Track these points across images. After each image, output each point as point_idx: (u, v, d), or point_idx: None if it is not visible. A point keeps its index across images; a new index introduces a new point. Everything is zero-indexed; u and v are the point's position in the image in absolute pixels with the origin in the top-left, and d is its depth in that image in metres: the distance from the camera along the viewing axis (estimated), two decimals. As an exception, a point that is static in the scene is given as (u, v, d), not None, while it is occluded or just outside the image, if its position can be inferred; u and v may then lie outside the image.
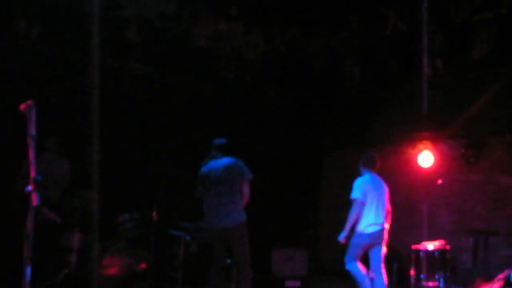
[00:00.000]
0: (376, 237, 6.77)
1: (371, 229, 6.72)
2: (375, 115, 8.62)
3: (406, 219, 9.06)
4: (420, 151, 8.89)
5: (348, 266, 6.78)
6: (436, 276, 7.79)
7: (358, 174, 7.04)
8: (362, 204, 6.71)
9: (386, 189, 7.02)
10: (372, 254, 6.83)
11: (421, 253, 7.93)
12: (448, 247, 7.87)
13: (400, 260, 8.45)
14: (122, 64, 7.38)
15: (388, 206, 7.06)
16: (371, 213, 6.75)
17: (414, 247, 7.98)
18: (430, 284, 7.77)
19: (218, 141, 6.05)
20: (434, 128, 8.52)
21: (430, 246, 7.91)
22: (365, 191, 6.76)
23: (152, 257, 6.65)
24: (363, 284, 6.69)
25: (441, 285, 7.73)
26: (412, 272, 7.85)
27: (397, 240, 8.89)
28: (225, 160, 5.89)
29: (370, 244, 6.79)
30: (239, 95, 7.97)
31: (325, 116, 8.92)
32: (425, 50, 7.60)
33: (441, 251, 7.94)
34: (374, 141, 8.97)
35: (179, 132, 7.68)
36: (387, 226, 6.95)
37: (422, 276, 7.87)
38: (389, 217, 7.11)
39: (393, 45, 8.43)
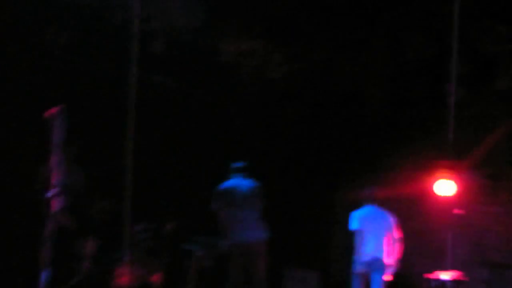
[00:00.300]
0: (370, 264, 7.21)
1: (366, 258, 7.22)
2: (395, 140, 8.58)
3: (421, 247, 8.96)
4: (439, 179, 8.81)
5: None
6: (448, 308, 7.67)
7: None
8: (361, 233, 7.24)
9: (389, 220, 7.43)
10: (372, 282, 7.20)
11: (433, 283, 7.83)
12: (462, 278, 7.76)
13: (412, 289, 8.35)
14: (147, 76, 7.46)
15: (395, 235, 7.36)
16: (368, 243, 7.26)
17: (426, 276, 7.89)
18: (442, 315, 7.65)
19: (237, 164, 6.13)
20: (456, 157, 8.45)
21: (444, 276, 7.80)
22: (361, 222, 7.30)
23: (164, 270, 6.66)
24: None
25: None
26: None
27: (410, 268, 8.80)
28: (249, 180, 5.97)
29: (367, 272, 7.19)
30: (260, 114, 8.00)
31: (345, 139, 8.89)
32: (453, 77, 7.57)
33: (454, 282, 7.82)
34: (392, 166, 8.91)
35: (197, 146, 7.72)
36: (387, 256, 7.36)
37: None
38: (398, 246, 7.32)
39: (416, 71, 8.41)
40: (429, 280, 7.77)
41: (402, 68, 8.27)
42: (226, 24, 7.52)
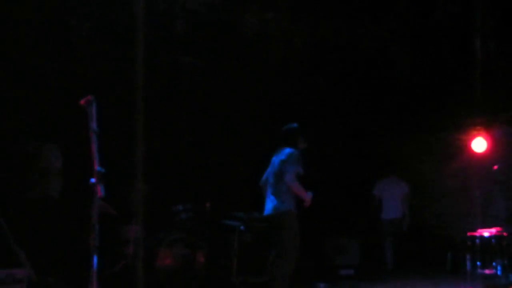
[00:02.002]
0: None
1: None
2: (427, 103, 8.47)
3: (461, 206, 8.90)
4: (474, 137, 8.70)
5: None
6: (493, 264, 7.64)
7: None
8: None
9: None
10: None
11: (477, 240, 7.79)
12: (505, 233, 7.69)
13: (455, 248, 8.31)
14: (170, 56, 7.47)
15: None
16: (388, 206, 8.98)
17: (469, 234, 7.85)
18: (487, 272, 7.63)
19: (283, 128, 6.00)
20: (488, 114, 8.32)
21: (486, 233, 7.75)
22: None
23: (207, 248, 6.74)
24: None
25: (499, 272, 7.57)
26: (468, 259, 7.73)
27: (452, 227, 8.76)
28: (283, 151, 5.88)
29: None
30: (287, 85, 7.94)
31: (377, 105, 8.81)
32: (479, 32, 7.40)
33: (498, 238, 7.77)
34: (428, 129, 8.82)
35: (229, 122, 7.73)
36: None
37: (478, 264, 7.74)
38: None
39: (443, 29, 8.24)
40: (473, 237, 7.74)
41: (428, 27, 8.11)
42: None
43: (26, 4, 6.41)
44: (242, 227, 6.87)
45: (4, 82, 6.06)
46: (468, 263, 7.85)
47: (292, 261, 5.56)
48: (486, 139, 8.68)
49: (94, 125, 4.08)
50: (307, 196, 5.68)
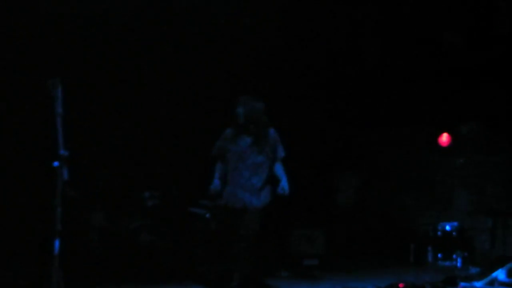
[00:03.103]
0: None
1: None
2: (395, 95, 8.53)
3: (424, 199, 9.06)
4: (440, 131, 8.84)
5: None
6: (454, 256, 7.82)
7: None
8: None
9: None
10: None
11: (439, 233, 7.97)
12: (466, 227, 7.88)
13: (417, 240, 8.46)
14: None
15: None
16: None
17: (431, 226, 8.02)
18: (448, 264, 7.81)
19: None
20: (455, 109, 8.44)
21: (448, 226, 7.92)
22: None
23: (173, 235, 6.71)
24: None
25: (459, 265, 7.76)
26: (429, 251, 7.90)
27: (415, 219, 8.92)
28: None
29: None
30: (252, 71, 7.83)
31: (343, 95, 8.82)
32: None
33: (459, 231, 7.96)
34: (393, 121, 8.92)
35: (198, 106, 7.67)
36: None
37: (439, 255, 7.91)
38: None
39: (413, 20, 8.18)
40: (435, 230, 7.90)
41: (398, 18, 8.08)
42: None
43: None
44: (208, 215, 6.86)
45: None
46: (430, 255, 8.03)
47: (253, 246, 5.54)
48: (452, 134, 8.84)
49: (59, 107, 4.02)
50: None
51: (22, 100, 6.31)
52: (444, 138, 8.85)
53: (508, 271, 5.99)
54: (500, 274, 6.01)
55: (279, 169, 5.77)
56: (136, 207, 7.03)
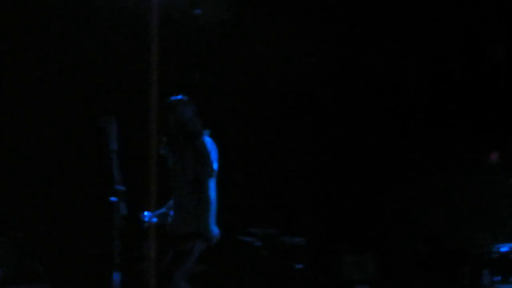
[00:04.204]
0: None
1: None
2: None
3: (477, 219, 8.86)
4: (491, 152, 8.68)
5: None
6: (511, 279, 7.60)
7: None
8: None
9: None
10: None
11: (494, 255, 7.76)
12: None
13: (471, 263, 8.26)
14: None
15: None
16: None
17: (486, 248, 7.81)
18: (506, 287, 7.58)
19: None
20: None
21: (505, 247, 7.72)
22: None
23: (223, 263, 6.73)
24: None
25: (518, 288, 7.53)
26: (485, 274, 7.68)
27: (468, 241, 8.71)
28: None
29: None
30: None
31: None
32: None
33: (515, 253, 7.74)
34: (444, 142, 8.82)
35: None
36: None
37: (496, 279, 7.70)
38: None
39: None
40: (489, 251, 7.71)
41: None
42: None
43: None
44: (258, 243, 6.87)
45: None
46: (486, 278, 7.81)
47: None
48: (501, 152, 8.68)
49: (114, 144, 4.14)
50: None
51: (79, 136, 6.49)
52: (494, 156, 8.69)
53: None
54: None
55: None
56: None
